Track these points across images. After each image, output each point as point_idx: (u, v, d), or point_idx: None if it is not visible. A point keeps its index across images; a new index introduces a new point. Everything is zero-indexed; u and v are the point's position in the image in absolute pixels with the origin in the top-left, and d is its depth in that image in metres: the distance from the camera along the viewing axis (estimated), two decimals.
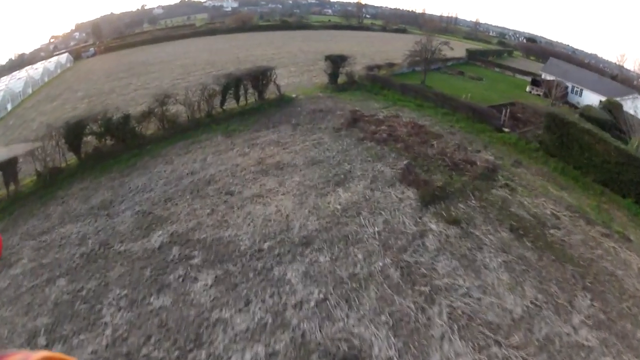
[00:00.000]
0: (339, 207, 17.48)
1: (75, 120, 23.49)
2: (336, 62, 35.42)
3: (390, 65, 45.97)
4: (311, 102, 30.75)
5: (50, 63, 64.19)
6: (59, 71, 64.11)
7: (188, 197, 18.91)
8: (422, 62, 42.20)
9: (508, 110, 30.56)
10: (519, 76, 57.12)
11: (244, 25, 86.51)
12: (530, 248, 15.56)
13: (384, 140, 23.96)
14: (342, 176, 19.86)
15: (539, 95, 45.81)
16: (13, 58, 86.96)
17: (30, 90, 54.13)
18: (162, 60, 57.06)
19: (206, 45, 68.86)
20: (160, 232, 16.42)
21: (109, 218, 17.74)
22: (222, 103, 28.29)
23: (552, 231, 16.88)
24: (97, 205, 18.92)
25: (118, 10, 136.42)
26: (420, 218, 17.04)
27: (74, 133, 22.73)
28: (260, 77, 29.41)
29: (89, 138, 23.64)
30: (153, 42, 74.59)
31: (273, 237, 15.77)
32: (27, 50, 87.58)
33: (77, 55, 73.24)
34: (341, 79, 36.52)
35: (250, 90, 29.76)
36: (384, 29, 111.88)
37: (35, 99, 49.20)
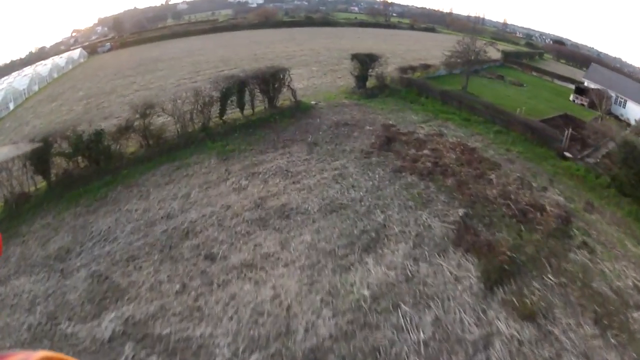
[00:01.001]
0: (366, 293, 10.97)
1: (41, 137, 17.57)
2: (365, 62, 28.49)
3: (426, 66, 38.73)
4: (334, 112, 23.96)
5: (62, 59, 58.97)
6: (70, 67, 58.77)
7: (156, 257, 12.81)
8: (465, 65, 34.82)
9: (570, 132, 23.35)
10: (557, 82, 51.28)
11: (266, 21, 79.95)
12: (613, 346, 10.04)
13: (428, 172, 17.14)
14: (373, 234, 13.19)
15: (583, 105, 40.12)
16: (33, 51, 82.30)
17: (36, 88, 48.93)
18: (175, 56, 50.93)
19: (225, 41, 62.52)
20: (114, 313, 10.87)
21: (62, 277, 12.54)
22: (222, 113, 21.77)
23: (635, 315, 11.06)
24: (54, 253, 13.65)
25: (142, 5, 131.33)
26: (484, 312, 10.47)
27: (38, 153, 17.10)
28: (270, 80, 22.70)
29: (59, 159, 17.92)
30: (171, 37, 68.80)
31: (264, 346, 9.58)
32: (49, 43, 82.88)
33: (92, 50, 68.02)
34: (370, 83, 29.61)
35: (259, 97, 23.10)
36: (411, 27, 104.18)
37: (37, 98, 43.84)
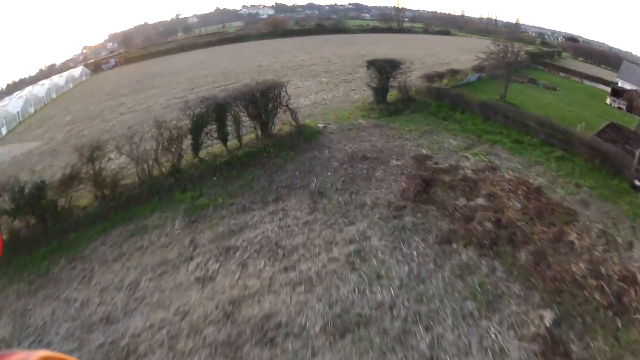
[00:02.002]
0: None
1: None
2: (384, 70, 22.11)
3: (454, 72, 32.11)
4: (348, 139, 17.65)
5: (62, 78, 54.17)
6: (71, 86, 53.95)
7: None
8: (503, 70, 28.21)
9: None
10: (587, 83, 45.76)
11: (275, 31, 74.15)
12: None
13: (491, 240, 10.77)
14: None
15: (621, 109, 34.66)
16: (44, 69, 78.24)
17: (32, 110, 44.15)
18: (176, 71, 45.43)
19: (231, 52, 56.89)
20: None
21: None
22: (196, 149, 15.69)
23: None
24: None
25: (152, 20, 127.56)
26: None
27: None
28: (262, 101, 16.50)
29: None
30: (177, 51, 63.63)
31: None
32: (60, 61, 78.83)
33: (96, 68, 63.31)
34: (392, 95, 23.24)
35: (249, 123, 17.02)
36: (426, 31, 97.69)
37: (29, 122, 38.91)
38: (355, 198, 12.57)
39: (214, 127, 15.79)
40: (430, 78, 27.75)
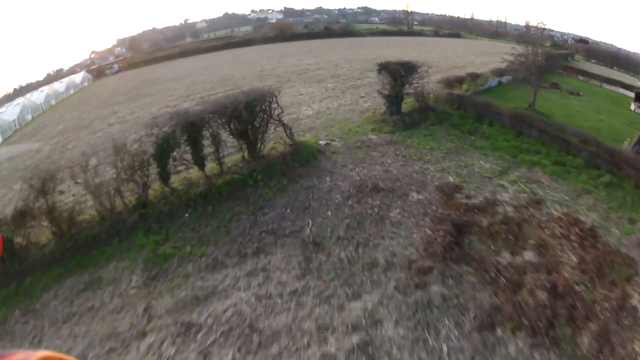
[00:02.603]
0: None
1: None
2: (398, 75, 18.68)
3: (474, 77, 28.59)
4: (356, 160, 14.26)
5: (61, 84, 51.64)
6: (71, 92, 51.35)
7: None
8: (531, 74, 24.67)
9: None
10: (606, 86, 42.70)
11: (282, 34, 70.96)
12: None
13: (545, 319, 7.47)
14: None
15: None
16: (51, 73, 76.04)
17: (29, 117, 41.68)
18: (175, 77, 42.49)
19: (235, 57, 53.81)
20: None
21: None
22: (164, 177, 12.44)
23: None
24: None
25: (161, 25, 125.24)
26: None
27: None
28: (246, 116, 13.18)
29: None
30: (181, 56, 60.78)
31: None
32: (66, 65, 76.59)
33: (100, 73, 60.77)
34: (407, 104, 19.87)
35: (232, 142, 13.80)
36: (436, 33, 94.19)
37: (24, 131, 36.28)
38: (363, 253, 9.19)
39: (184, 148, 12.53)
40: (449, 83, 24.35)
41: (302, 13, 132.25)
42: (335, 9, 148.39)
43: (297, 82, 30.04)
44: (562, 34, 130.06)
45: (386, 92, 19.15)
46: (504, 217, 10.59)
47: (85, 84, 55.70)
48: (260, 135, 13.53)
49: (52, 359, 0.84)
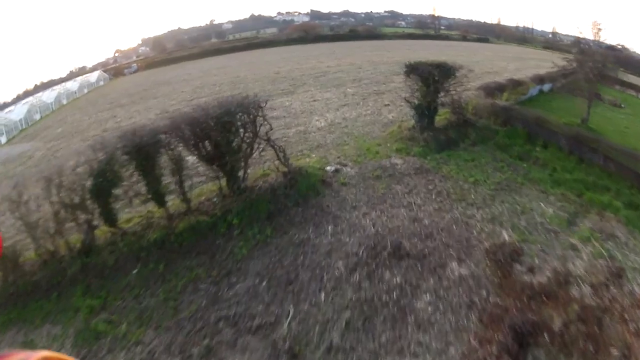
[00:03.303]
0: None
1: None
2: (431, 79, 14.29)
3: (515, 84, 24.00)
4: (372, 200, 9.89)
5: (75, 83, 49.20)
6: (85, 91, 48.84)
7: None
8: (586, 86, 20.03)
9: None
10: None
11: (306, 36, 67.03)
12: None
13: None
14: None
15: None
16: (74, 70, 74.28)
17: (38, 117, 39.23)
18: (187, 78, 39.14)
19: (254, 58, 50.12)
20: None
21: None
22: (109, 218, 8.56)
23: None
24: None
25: (186, 25, 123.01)
26: None
27: None
28: (219, 133, 9.14)
29: None
30: (200, 56, 57.65)
31: None
32: (90, 63, 74.67)
33: (117, 72, 58.33)
34: (441, 116, 15.55)
35: (204, 169, 9.83)
36: (464, 38, 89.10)
37: (27, 133, 33.68)
38: None
39: (137, 177, 8.63)
40: (489, 91, 19.93)
41: (328, 16, 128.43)
42: (362, 13, 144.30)
43: (313, 86, 26.02)
44: (587, 41, 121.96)
45: (415, 102, 14.86)
46: (581, 307, 6.26)
47: (101, 83, 53.22)
48: (241, 162, 9.48)
49: (52, 359, 0.82)
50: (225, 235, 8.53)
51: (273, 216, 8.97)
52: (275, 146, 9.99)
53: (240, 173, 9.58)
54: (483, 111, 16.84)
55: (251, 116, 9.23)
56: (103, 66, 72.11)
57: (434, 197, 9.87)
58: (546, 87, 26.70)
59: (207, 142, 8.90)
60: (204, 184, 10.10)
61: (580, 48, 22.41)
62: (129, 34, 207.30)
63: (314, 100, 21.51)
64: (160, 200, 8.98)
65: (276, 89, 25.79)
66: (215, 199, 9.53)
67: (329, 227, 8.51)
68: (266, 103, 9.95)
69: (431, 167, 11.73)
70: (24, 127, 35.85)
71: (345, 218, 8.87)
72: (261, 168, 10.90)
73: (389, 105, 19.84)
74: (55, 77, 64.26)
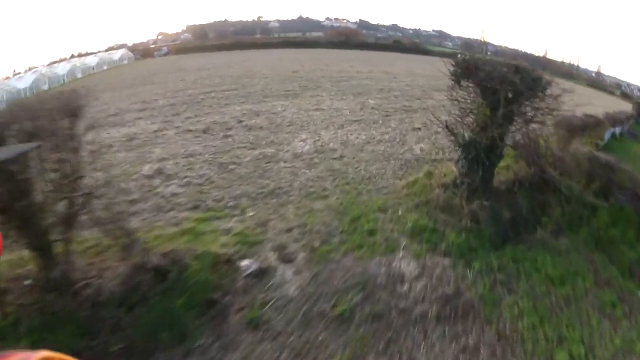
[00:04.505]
0: None
1: None
2: (502, 91, 6.90)
3: (595, 123, 16.47)
4: None
5: (94, 58, 44.52)
6: (104, 67, 44.17)
7: None
8: None
9: None
10: None
11: (347, 41, 59.86)
12: None
13: None
14: None
15: None
16: (113, 46, 70.04)
17: (45, 87, 34.19)
18: (201, 67, 33.15)
19: (283, 55, 43.57)
20: None
21: None
22: None
23: None
24: None
25: (233, 18, 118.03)
26: None
27: None
28: None
29: None
30: (231, 48, 51.71)
31: None
32: (131, 41, 70.27)
33: (145, 53, 53.77)
34: (504, 167, 8.33)
35: None
36: None
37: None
38: None
39: None
40: (572, 130, 12.62)
41: (376, 27, 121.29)
42: (410, 29, 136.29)
43: (328, 91, 19.29)
44: (628, 84, 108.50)
45: (465, 135, 7.72)
46: None
47: (125, 62, 48.43)
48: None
49: (53, 359, 0.78)
50: None
51: None
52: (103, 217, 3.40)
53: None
54: (570, 164, 9.54)
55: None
56: (144, 46, 67.87)
57: None
58: (617, 129, 19.86)
59: None
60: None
61: None
62: (176, 19, 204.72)
63: (317, 109, 14.82)
64: None
65: (280, 89, 19.28)
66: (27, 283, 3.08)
67: None
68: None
69: (479, 298, 4.69)
70: (27, 95, 31.19)
71: None
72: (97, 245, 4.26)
73: (419, 130, 12.84)
74: (94, 50, 59.89)
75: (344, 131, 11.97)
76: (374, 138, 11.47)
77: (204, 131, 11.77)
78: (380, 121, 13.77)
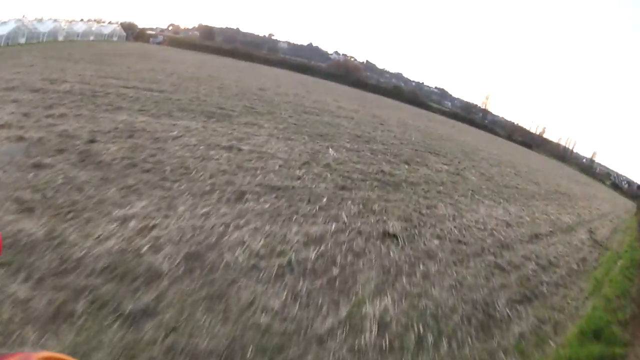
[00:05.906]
0: None
1: None
2: None
3: None
4: None
5: (82, 26, 37.80)
6: (91, 38, 38.13)
7: None
8: None
9: None
10: None
11: (345, 75, 54.29)
12: None
13: None
14: None
15: None
16: (123, 22, 63.15)
17: (22, 40, 28.65)
18: (177, 63, 26.81)
19: (268, 72, 37.25)
20: None
21: None
22: None
23: None
24: None
25: (246, 29, 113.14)
26: None
27: None
28: None
29: None
30: (223, 54, 45.73)
31: None
32: (141, 25, 63.22)
33: (139, 36, 47.95)
34: None
35: None
36: (509, 137, 76.07)
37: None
38: None
39: None
40: None
41: (381, 72, 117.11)
42: (413, 81, 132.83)
43: (277, 121, 12.80)
44: (617, 175, 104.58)
45: None
46: None
47: (114, 38, 42.35)
48: None
49: (53, 359, 0.73)
50: None
51: None
52: None
53: None
54: None
55: None
56: (151, 32, 61.04)
57: None
58: None
59: None
60: None
61: None
62: (191, 16, 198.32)
63: (231, 148, 8.27)
64: None
65: (215, 104, 12.87)
66: None
67: None
68: None
69: None
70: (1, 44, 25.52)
71: None
72: None
73: (394, 239, 6.15)
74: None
75: (220, 221, 5.15)
76: (270, 255, 4.73)
77: None
78: (325, 200, 7.06)
